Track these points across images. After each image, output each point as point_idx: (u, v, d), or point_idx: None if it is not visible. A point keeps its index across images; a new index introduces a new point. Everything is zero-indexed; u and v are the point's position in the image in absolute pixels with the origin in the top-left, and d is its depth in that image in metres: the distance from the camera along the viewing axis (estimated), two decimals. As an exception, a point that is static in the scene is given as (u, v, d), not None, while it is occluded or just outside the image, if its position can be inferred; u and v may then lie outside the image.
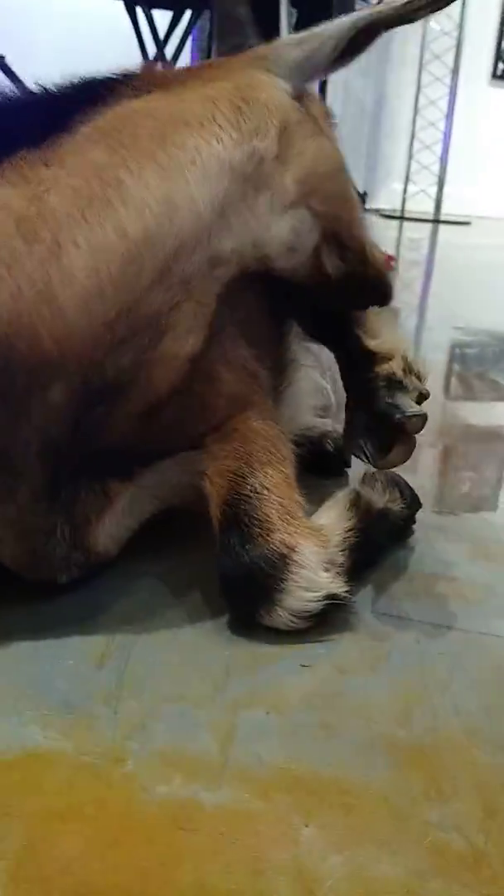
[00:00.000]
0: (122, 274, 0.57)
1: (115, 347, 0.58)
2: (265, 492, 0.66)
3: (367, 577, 0.72)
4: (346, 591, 0.63)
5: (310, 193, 0.68)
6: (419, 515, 0.81)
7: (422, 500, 0.81)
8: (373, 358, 0.78)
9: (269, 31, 1.87)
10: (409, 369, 0.76)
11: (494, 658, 0.63)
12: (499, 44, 5.03)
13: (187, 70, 0.68)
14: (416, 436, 0.73)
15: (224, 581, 0.63)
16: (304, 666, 0.60)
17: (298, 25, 2.03)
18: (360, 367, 0.78)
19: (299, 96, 0.69)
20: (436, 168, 4.73)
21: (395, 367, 0.76)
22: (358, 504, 0.70)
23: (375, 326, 0.80)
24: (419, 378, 0.77)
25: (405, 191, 4.84)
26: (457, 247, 3.87)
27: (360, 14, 0.67)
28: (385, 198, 4.94)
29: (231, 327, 0.77)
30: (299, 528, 0.64)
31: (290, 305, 0.83)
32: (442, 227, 4.42)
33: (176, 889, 0.41)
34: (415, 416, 0.73)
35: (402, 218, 4.62)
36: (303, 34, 0.69)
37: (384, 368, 0.77)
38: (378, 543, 0.73)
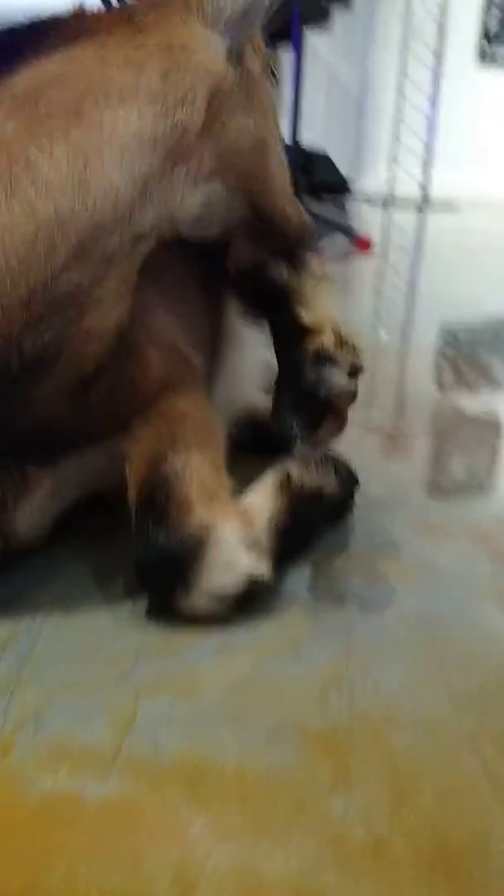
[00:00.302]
0: (31, 253, 0.54)
1: (33, 325, 0.56)
2: (185, 473, 0.62)
3: (299, 557, 0.69)
4: (271, 573, 0.60)
5: (227, 168, 0.65)
6: (366, 493, 0.78)
7: (373, 479, 0.78)
8: (303, 331, 0.74)
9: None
10: (340, 342, 0.73)
11: (423, 636, 0.60)
12: (483, 24, 4.96)
13: (119, 14, 0.63)
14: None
15: (139, 564, 0.60)
16: (220, 650, 0.57)
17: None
18: (290, 340, 0.75)
19: (237, 51, 0.65)
20: (421, 152, 4.67)
21: (325, 340, 0.73)
22: (288, 484, 0.67)
23: (310, 298, 0.77)
24: (354, 351, 0.74)
25: (391, 175, 4.78)
26: (444, 230, 3.83)
27: None
28: (371, 182, 4.89)
29: (159, 307, 0.73)
30: (220, 509, 0.61)
31: (222, 275, 0.79)
32: (428, 211, 4.38)
33: (44, 891, 0.38)
34: (343, 391, 0.69)
35: (388, 202, 4.57)
36: None
37: (314, 342, 0.73)
38: (310, 524, 0.70)
